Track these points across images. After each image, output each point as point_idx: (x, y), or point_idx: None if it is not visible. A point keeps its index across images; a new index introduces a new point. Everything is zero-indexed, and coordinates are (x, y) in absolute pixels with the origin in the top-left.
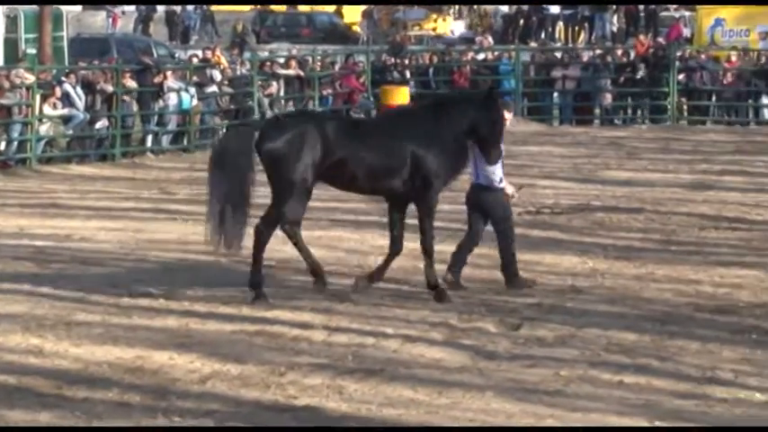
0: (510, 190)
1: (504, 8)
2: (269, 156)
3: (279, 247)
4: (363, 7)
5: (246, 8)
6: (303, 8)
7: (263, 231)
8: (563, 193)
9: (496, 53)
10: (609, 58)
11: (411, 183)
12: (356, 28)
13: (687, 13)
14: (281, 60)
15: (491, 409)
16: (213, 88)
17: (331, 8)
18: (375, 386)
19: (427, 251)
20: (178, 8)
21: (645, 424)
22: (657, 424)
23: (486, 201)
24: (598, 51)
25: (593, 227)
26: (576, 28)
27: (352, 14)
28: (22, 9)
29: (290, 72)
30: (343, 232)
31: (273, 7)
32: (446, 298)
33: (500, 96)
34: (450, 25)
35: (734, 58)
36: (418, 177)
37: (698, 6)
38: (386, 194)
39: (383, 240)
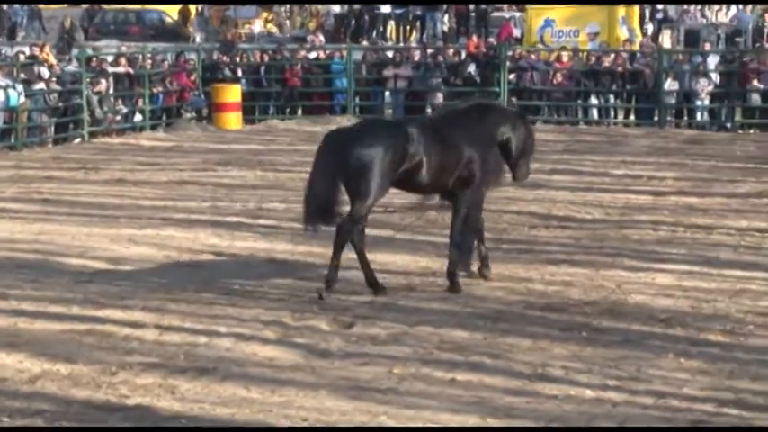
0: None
1: (336, 7)
2: (361, 160)
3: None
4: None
5: (75, 5)
6: (133, 5)
7: (348, 230)
8: (396, 192)
9: (328, 52)
10: (440, 58)
11: (467, 181)
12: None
13: (517, 14)
14: (110, 58)
15: (325, 407)
16: (41, 85)
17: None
18: (207, 385)
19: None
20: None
21: (477, 420)
22: (489, 421)
23: None
24: (429, 51)
25: (425, 225)
26: (408, 27)
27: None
28: None
29: (120, 69)
30: (174, 231)
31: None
32: (458, 288)
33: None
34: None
35: (564, 59)
36: (473, 176)
37: (528, 7)
38: (442, 192)
39: (215, 239)
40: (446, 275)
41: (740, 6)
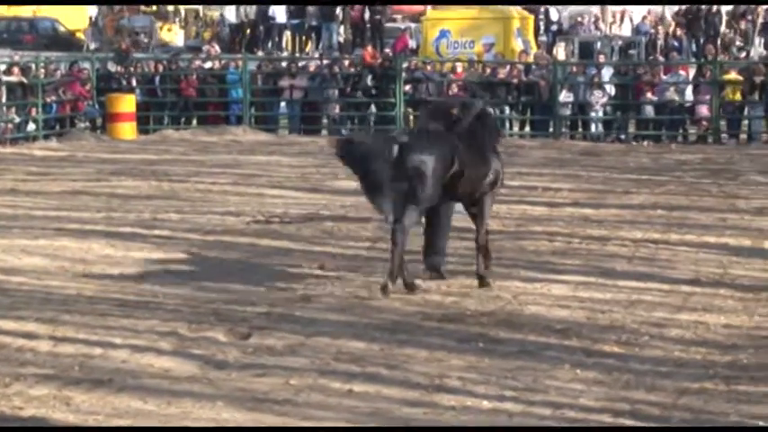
0: None
1: (232, 17)
2: (417, 167)
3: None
4: (88, 15)
5: None
6: (26, 14)
7: (402, 234)
8: (292, 202)
9: (223, 62)
10: (336, 69)
11: (492, 187)
12: (80, 35)
13: (413, 25)
14: (3, 67)
15: (222, 418)
16: None
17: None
18: (103, 397)
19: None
20: None
21: None
22: None
23: None
24: (325, 61)
25: (322, 236)
26: (304, 38)
27: (76, 21)
28: None
29: (13, 79)
30: (68, 241)
31: None
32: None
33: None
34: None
35: (459, 70)
36: (496, 182)
37: (423, 18)
38: (468, 199)
39: (109, 249)
40: (476, 278)
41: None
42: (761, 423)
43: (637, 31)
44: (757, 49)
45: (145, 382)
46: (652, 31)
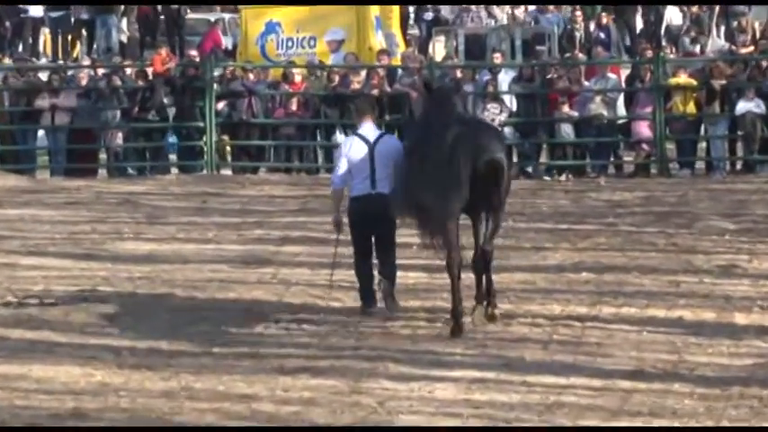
0: None
1: None
2: (498, 166)
3: None
4: None
5: None
6: None
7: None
8: (56, 275)
9: None
10: (118, 81)
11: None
12: None
13: (227, 16)
14: None
15: None
16: None
17: None
18: None
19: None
20: None
21: None
22: None
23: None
24: (102, 71)
25: (101, 323)
26: (70, 37)
27: None
28: None
29: None
30: None
31: None
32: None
33: None
34: None
35: (297, 78)
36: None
37: (242, 7)
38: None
39: None
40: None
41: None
42: None
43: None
44: (716, 42)
45: None
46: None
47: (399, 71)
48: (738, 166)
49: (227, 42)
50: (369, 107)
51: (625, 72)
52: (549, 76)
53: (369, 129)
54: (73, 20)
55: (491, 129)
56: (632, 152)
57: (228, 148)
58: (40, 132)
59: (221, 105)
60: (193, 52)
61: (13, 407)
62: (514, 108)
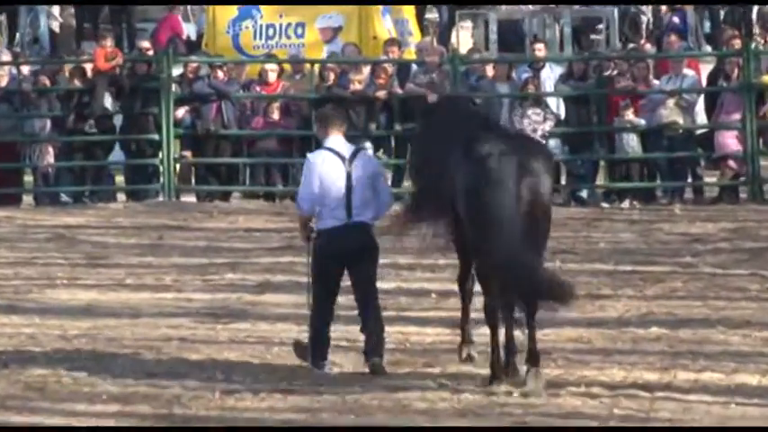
0: None
1: None
2: (540, 190)
3: None
4: None
5: None
6: None
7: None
8: None
9: None
10: (47, 82)
11: None
12: None
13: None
14: None
15: None
16: None
17: None
18: None
19: None
20: None
21: None
22: None
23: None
24: (27, 69)
25: (26, 395)
26: None
27: None
28: None
29: None
30: None
31: None
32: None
33: None
34: None
35: (273, 77)
36: None
37: None
38: None
39: None
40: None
41: None
42: None
43: None
44: None
45: None
46: None
47: (414, 67)
48: None
49: (189, 31)
50: (339, 119)
51: (706, 68)
52: (606, 74)
53: (339, 143)
54: None
55: (532, 143)
56: (716, 171)
57: (192, 168)
58: None
59: (182, 112)
60: (146, 44)
61: None
62: (562, 115)
